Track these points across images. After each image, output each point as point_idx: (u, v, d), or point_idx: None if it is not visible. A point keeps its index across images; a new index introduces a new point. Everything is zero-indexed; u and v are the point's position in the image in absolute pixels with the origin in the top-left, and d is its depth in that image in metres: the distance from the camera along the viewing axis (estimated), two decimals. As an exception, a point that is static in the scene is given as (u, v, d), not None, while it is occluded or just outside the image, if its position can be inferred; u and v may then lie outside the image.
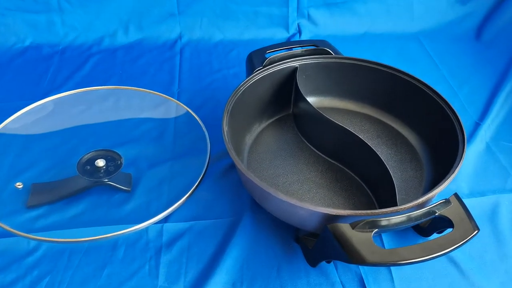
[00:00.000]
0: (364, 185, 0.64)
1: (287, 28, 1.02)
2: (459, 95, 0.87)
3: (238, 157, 0.64)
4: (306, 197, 0.62)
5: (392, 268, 0.58)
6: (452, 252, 0.58)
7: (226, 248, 0.60)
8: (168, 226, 0.63)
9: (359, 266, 0.59)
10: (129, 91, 0.79)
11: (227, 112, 0.62)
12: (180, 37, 1.01)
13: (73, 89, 0.82)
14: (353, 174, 0.65)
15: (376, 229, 0.48)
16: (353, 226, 0.49)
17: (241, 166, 0.55)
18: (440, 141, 0.65)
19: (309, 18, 1.03)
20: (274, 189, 0.52)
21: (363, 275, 0.58)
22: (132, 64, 0.94)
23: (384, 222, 0.49)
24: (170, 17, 1.00)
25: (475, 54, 0.98)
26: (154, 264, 0.59)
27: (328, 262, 0.58)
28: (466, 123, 0.80)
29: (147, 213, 0.63)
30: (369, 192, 0.63)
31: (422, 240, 0.61)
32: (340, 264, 0.59)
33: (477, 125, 0.79)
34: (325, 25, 1.03)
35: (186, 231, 0.63)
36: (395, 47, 1.00)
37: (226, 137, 0.58)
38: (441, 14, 1.05)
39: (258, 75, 0.70)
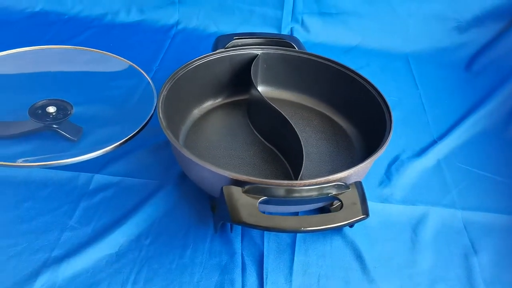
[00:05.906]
0: (291, 172, 0.65)
1: (279, 30, 1.05)
2: (427, 112, 0.86)
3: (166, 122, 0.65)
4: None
5: (296, 250, 0.59)
6: (361, 247, 0.59)
7: (144, 206, 0.62)
8: (98, 177, 0.66)
9: (264, 242, 0.59)
10: (109, 57, 0.84)
11: (172, 79, 0.66)
12: (176, 24, 1.06)
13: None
14: (284, 160, 0.66)
15: (264, 197, 0.49)
16: (244, 190, 0.50)
17: (162, 124, 0.57)
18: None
19: (302, 23, 1.05)
20: (180, 145, 0.54)
21: (265, 252, 0.58)
22: (124, 40, 1.00)
23: (272, 191, 0.50)
24: (171, 4, 1.06)
25: (459, 82, 0.96)
26: (72, 206, 0.62)
27: (222, 226, 0.59)
28: (423, 139, 0.79)
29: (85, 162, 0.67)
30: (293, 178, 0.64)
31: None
32: (246, 237, 0.60)
33: (433, 143, 0.78)
34: (317, 32, 1.05)
35: (113, 185, 0.65)
36: (380, 63, 1.00)
37: (161, 102, 0.61)
38: (436, 40, 1.04)
39: (216, 54, 0.73)
